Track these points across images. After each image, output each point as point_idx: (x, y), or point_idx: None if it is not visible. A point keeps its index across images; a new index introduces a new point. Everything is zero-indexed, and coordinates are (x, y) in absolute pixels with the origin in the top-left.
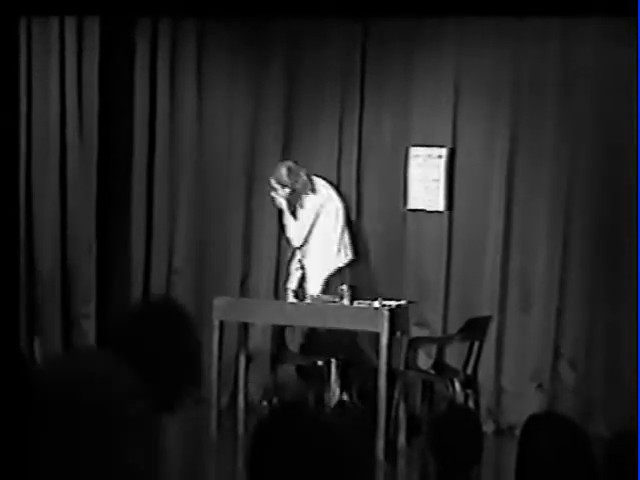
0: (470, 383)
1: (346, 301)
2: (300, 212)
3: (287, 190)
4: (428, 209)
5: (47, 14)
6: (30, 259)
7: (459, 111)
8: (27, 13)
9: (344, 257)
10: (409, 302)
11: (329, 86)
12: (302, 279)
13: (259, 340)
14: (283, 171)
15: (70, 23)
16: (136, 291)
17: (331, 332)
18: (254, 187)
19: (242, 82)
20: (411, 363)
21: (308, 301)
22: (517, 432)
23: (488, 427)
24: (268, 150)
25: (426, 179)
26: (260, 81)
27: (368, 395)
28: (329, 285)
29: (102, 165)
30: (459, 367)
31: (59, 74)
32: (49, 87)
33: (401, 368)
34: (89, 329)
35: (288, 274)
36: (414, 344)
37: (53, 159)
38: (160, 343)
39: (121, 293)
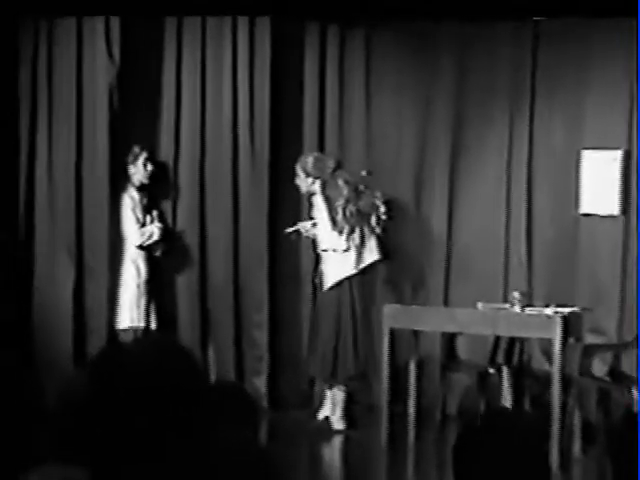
0: None
1: (517, 308)
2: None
3: (310, 180)
4: (602, 213)
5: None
6: (203, 272)
7: (634, 113)
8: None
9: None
10: (583, 309)
11: (499, 88)
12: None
13: (429, 347)
14: (309, 160)
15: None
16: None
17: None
18: (424, 185)
19: (410, 87)
20: (585, 370)
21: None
22: None
23: None
24: (437, 153)
25: (599, 183)
26: (428, 86)
27: (541, 403)
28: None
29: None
30: (637, 375)
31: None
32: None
33: (575, 375)
34: (260, 338)
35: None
36: (589, 351)
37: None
38: None
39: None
